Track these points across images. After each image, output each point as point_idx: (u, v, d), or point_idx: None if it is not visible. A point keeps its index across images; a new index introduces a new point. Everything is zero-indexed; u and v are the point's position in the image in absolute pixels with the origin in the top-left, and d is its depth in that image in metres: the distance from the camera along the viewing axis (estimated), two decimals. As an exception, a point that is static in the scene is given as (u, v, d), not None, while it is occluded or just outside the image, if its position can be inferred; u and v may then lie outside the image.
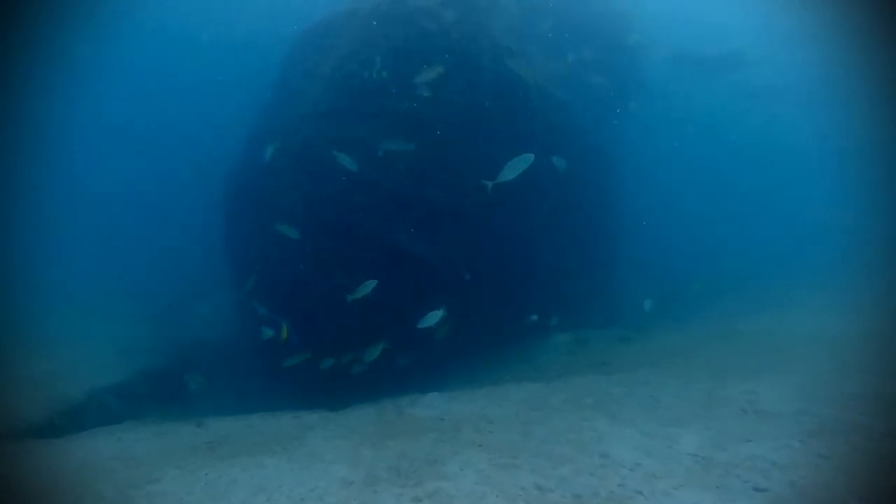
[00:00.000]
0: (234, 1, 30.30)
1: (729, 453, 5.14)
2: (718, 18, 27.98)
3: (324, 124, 10.49)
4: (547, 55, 13.24)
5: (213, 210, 13.06)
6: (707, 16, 28.67)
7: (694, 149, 30.88)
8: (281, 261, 10.24)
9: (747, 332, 10.98)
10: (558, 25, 15.55)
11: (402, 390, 8.10)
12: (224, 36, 30.40)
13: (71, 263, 19.90)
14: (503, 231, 11.64)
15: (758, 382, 7.13)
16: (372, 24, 11.07)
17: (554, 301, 12.74)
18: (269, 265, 10.49)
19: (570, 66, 13.68)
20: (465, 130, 10.81)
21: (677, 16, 25.57)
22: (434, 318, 7.55)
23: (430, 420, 6.79)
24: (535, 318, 11.84)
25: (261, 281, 10.65)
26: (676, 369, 8.54)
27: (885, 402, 6.00)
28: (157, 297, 16.96)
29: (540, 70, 12.48)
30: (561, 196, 12.75)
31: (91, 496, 4.96)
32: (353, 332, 9.50)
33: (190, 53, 31.51)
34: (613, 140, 16.85)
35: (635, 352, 10.40)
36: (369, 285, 8.25)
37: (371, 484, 4.99)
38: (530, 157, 7.24)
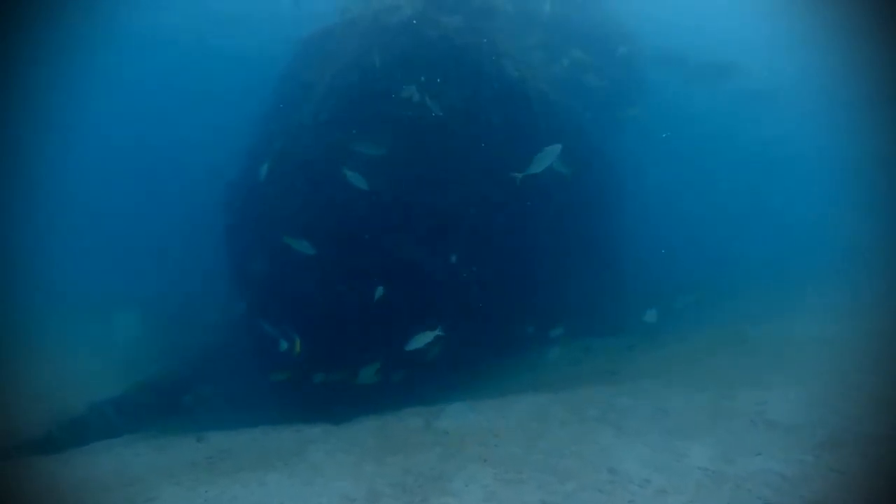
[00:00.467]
0: (234, 12, 30.38)
1: (739, 467, 5.03)
2: (712, 25, 28.08)
3: (324, 133, 10.43)
4: (548, 61, 13.19)
5: (216, 218, 13.01)
6: (703, 23, 28.76)
7: (692, 153, 30.83)
8: (282, 269, 10.16)
9: (753, 338, 10.84)
10: (558, 31, 15.55)
11: (405, 402, 7.99)
12: (225, 46, 30.45)
13: (77, 268, 19.89)
14: (506, 238, 11.54)
15: (766, 392, 7.01)
16: (372, 32, 11.03)
17: (558, 309, 12.61)
18: (270, 274, 10.41)
19: (571, 71, 13.61)
20: (467, 138, 10.74)
21: (677, 23, 25.58)
22: (423, 339, 7.31)
23: (435, 433, 6.69)
24: (539, 326, 11.73)
25: (261, 292, 10.59)
26: (683, 379, 8.41)
27: (898, 412, 5.89)
28: (164, 304, 16.89)
29: (542, 76, 12.42)
30: (564, 202, 12.66)
31: (88, 516, 4.88)
32: (354, 341, 9.41)
33: (192, 63, 31.55)
34: (616, 145, 16.81)
35: (641, 361, 10.28)
36: (379, 291, 8.15)
37: (373, 501, 4.89)
38: (558, 147, 7.14)
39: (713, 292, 17.16)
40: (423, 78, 9.71)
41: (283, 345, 8.20)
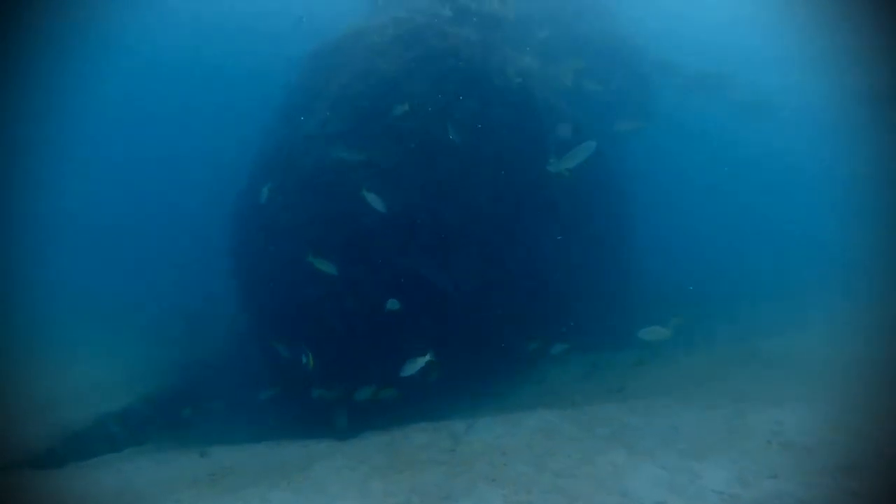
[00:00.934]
0: (245, 25, 30.72)
1: (755, 490, 4.88)
2: (710, 36, 28.22)
3: (332, 145, 10.39)
4: (555, 72, 13.15)
5: (222, 230, 12.97)
6: (701, 33, 28.91)
7: (696, 163, 30.74)
8: (288, 282, 10.08)
9: (765, 353, 10.65)
10: (566, 42, 15.54)
11: (411, 418, 7.86)
12: (234, 58, 30.74)
13: (81, 279, 19.88)
14: (515, 251, 11.44)
15: (781, 410, 6.83)
16: (380, 44, 11.02)
17: (566, 323, 12.47)
18: (275, 287, 10.33)
19: (579, 82, 13.56)
20: (476, 150, 10.68)
21: (677, 33, 25.64)
22: (416, 365, 7.15)
23: (441, 450, 6.56)
24: (545, 341, 11.58)
25: (266, 305, 10.50)
26: (694, 396, 8.25)
27: (920, 434, 5.71)
28: (169, 315, 16.84)
29: (549, 87, 12.37)
30: (572, 215, 12.57)
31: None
32: (361, 355, 9.30)
33: (200, 75, 31.87)
34: (624, 157, 16.74)
35: (651, 377, 10.11)
36: (394, 304, 8.09)
37: (379, 522, 4.76)
38: (593, 144, 7.08)
39: (720, 306, 16.98)
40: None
41: (303, 359, 8.09)
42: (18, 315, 13.75)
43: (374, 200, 8.42)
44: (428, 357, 7.11)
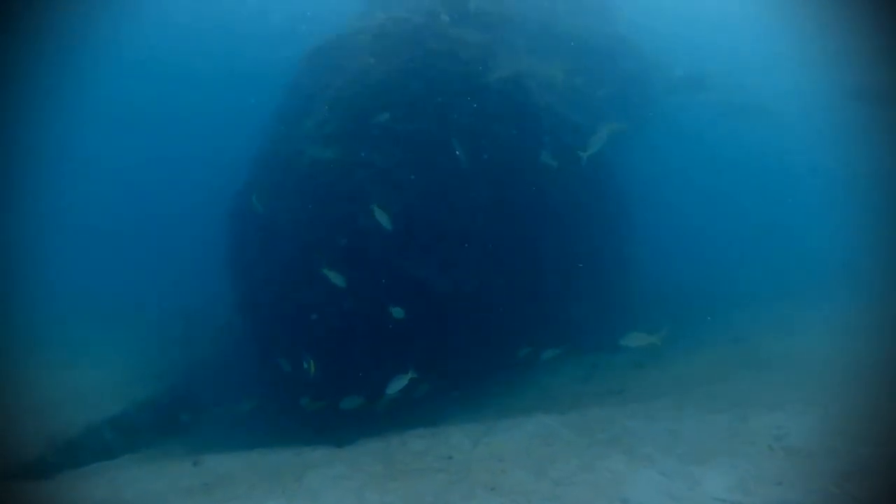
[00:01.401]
0: (243, 27, 30.66)
1: (758, 498, 4.79)
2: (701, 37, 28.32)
3: (329, 146, 10.30)
4: (554, 72, 13.06)
5: (219, 231, 12.87)
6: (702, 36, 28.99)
7: (693, 166, 30.74)
8: (285, 285, 9.98)
9: (765, 355, 10.57)
10: (564, 43, 15.46)
11: (408, 424, 7.76)
12: (232, 60, 30.65)
13: (74, 280, 19.77)
14: (513, 252, 11.34)
15: (783, 414, 6.75)
16: (378, 44, 10.93)
17: (565, 325, 12.40)
18: (273, 289, 10.23)
19: (578, 83, 13.48)
20: (474, 151, 10.60)
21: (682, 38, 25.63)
22: (400, 382, 7.14)
23: (439, 457, 6.46)
24: (544, 343, 11.50)
25: (265, 305, 10.40)
26: (695, 399, 8.17)
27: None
28: (169, 315, 16.72)
29: (548, 88, 12.28)
30: (571, 215, 12.49)
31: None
32: (359, 359, 9.21)
33: (199, 76, 31.79)
34: (622, 157, 16.64)
35: (651, 379, 10.03)
36: (398, 312, 8.04)
37: (375, 533, 4.67)
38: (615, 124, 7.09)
39: (718, 306, 16.90)
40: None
41: (304, 365, 8.01)
42: (14, 317, 13.62)
43: (382, 217, 8.36)
44: (410, 374, 7.13)
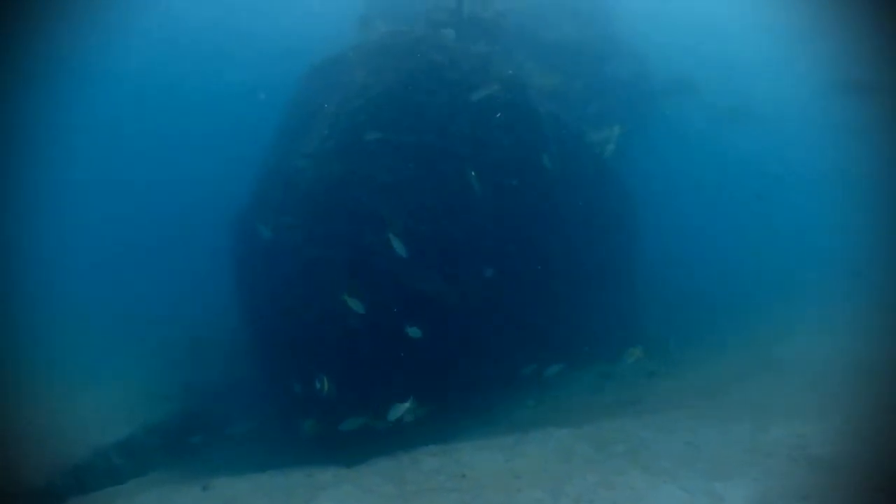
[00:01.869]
0: (244, 43, 30.90)
1: (785, 514, 4.62)
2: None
3: (331, 162, 10.22)
4: (557, 82, 13.01)
5: (224, 250, 12.81)
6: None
7: (698, 169, 30.66)
8: (290, 302, 9.88)
9: (780, 361, 10.38)
10: (566, 52, 15.42)
11: (419, 441, 7.62)
12: (232, 76, 30.83)
13: (87, 298, 19.73)
14: (520, 261, 11.22)
15: (804, 423, 6.58)
16: (378, 58, 10.88)
17: (574, 334, 12.25)
18: (278, 308, 10.14)
19: (582, 91, 13.43)
20: (478, 161, 10.51)
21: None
22: (400, 409, 7.21)
23: (451, 476, 6.31)
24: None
25: (270, 323, 10.30)
26: (711, 408, 8.01)
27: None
28: (175, 334, 16.63)
29: (551, 97, 12.22)
30: (578, 222, 12.38)
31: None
32: (369, 375, 9.07)
33: (201, 93, 31.98)
34: (626, 164, 16.55)
35: (666, 388, 9.86)
36: (415, 332, 8.08)
37: (388, 560, 4.53)
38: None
39: (728, 310, 16.73)
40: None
41: (317, 385, 7.92)
42: (18, 341, 13.55)
43: (398, 245, 8.33)
44: (409, 404, 7.21)
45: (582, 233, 12.61)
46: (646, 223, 17.76)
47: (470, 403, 10.32)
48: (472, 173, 9.51)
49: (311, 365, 8.41)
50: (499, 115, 10.75)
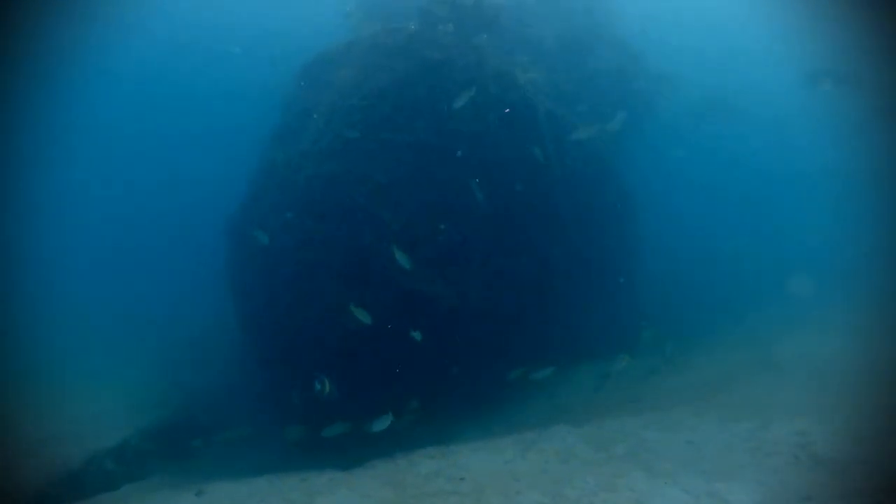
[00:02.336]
0: (237, 43, 30.76)
1: (789, 516, 4.53)
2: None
3: (326, 161, 10.11)
4: (553, 77, 12.88)
5: (220, 252, 12.69)
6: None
7: (692, 166, 30.62)
8: (286, 304, 9.77)
9: (780, 358, 10.25)
10: (562, 47, 15.31)
11: (417, 443, 7.51)
12: (228, 77, 30.71)
13: (84, 299, 19.64)
14: (519, 259, 11.11)
15: (806, 421, 6.48)
16: (372, 56, 10.76)
17: (574, 332, 12.15)
18: (274, 309, 10.02)
19: (579, 87, 13.29)
20: (474, 159, 10.40)
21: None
22: (384, 422, 7.17)
23: (450, 479, 6.21)
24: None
25: (267, 325, 10.20)
26: (713, 407, 7.89)
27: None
28: (171, 338, 16.51)
29: (548, 93, 12.10)
30: (576, 220, 12.27)
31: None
32: (366, 375, 8.97)
33: (194, 95, 31.85)
34: (625, 160, 16.45)
35: (666, 386, 9.75)
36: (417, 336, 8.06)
37: (385, 568, 4.42)
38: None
39: (726, 307, 16.62)
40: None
41: (317, 386, 7.83)
42: (11, 348, 13.42)
43: (402, 258, 8.32)
44: (391, 417, 7.21)
45: (580, 230, 12.51)
46: (644, 220, 17.68)
47: (468, 404, 10.23)
48: (476, 181, 9.42)
49: (307, 368, 8.31)
50: (507, 110, 10.66)
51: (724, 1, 26.28)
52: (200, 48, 31.75)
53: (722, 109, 26.45)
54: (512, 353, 10.80)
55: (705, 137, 30.18)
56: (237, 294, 11.53)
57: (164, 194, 30.76)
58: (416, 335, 8.02)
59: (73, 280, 22.33)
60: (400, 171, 9.89)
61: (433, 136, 9.96)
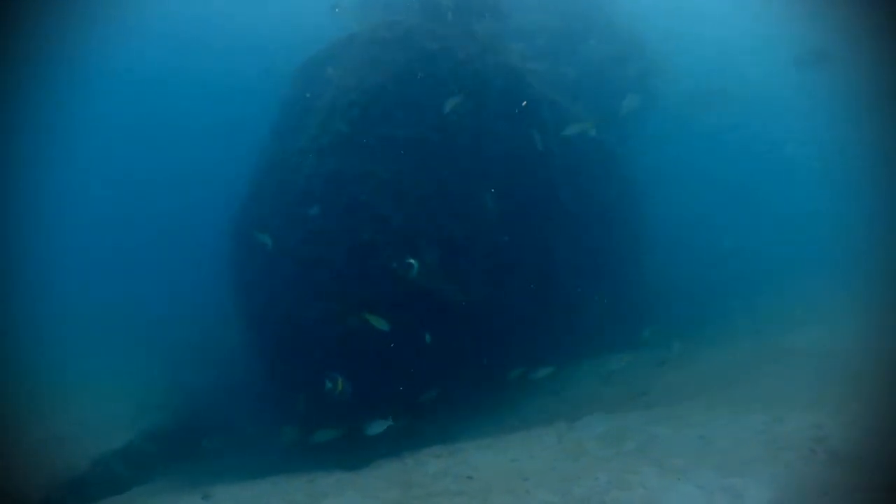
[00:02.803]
0: (234, 41, 30.67)
1: (807, 512, 4.40)
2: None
3: (327, 158, 10.00)
4: (557, 67, 12.72)
5: (223, 251, 12.62)
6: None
7: (695, 153, 30.42)
8: (288, 303, 9.68)
9: (791, 349, 10.09)
10: (564, 37, 15.12)
11: (423, 442, 7.43)
12: (226, 75, 30.62)
13: (85, 303, 19.63)
14: (523, 253, 10.99)
15: (821, 414, 6.33)
16: (371, 50, 10.62)
17: (580, 324, 12.05)
18: (276, 308, 9.94)
19: (581, 77, 13.12)
20: (476, 153, 10.27)
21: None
22: (380, 426, 7.12)
23: (458, 478, 6.11)
24: (560, 345, 11.17)
25: (269, 324, 10.12)
26: (724, 399, 7.76)
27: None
28: (175, 338, 16.47)
29: (551, 84, 11.93)
30: (580, 211, 12.14)
31: None
32: (372, 375, 8.89)
33: (191, 94, 31.80)
34: (629, 150, 16.29)
35: (675, 379, 9.61)
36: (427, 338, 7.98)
37: (393, 572, 4.33)
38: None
39: (734, 296, 16.46)
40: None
41: (328, 385, 7.73)
42: (14, 344, 13.38)
43: (408, 268, 8.28)
44: (389, 421, 7.12)
45: (584, 221, 12.38)
46: (651, 211, 17.52)
47: (474, 400, 10.15)
48: (492, 190, 9.31)
49: (309, 366, 8.23)
50: (524, 103, 10.54)
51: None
52: (200, 47, 31.67)
53: (723, 98, 26.16)
54: (517, 348, 10.71)
55: (708, 127, 29.97)
56: (239, 292, 11.46)
57: (165, 194, 30.78)
58: (427, 336, 7.90)
59: (73, 281, 22.36)
60: (401, 166, 9.77)
61: (434, 130, 9.82)
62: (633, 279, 15.01)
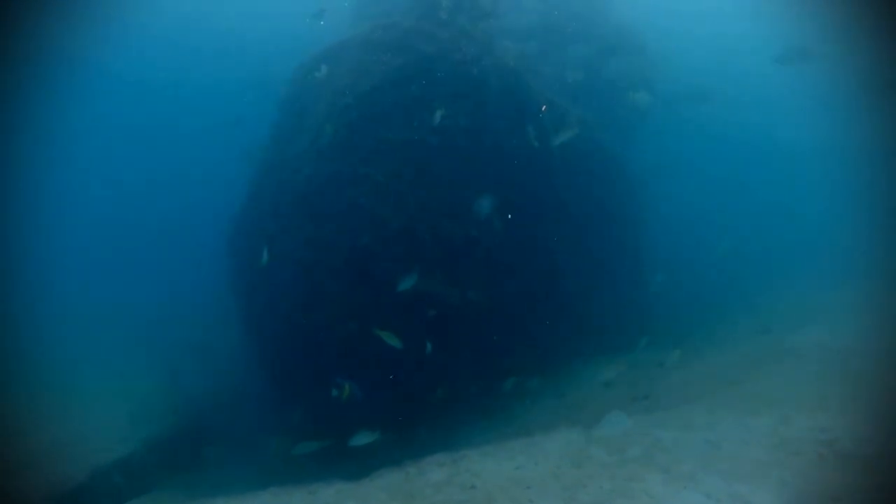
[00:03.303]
0: (232, 44, 30.61)
1: (817, 519, 4.30)
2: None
3: (324, 161, 9.92)
4: (555, 68, 12.63)
5: (222, 255, 12.53)
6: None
7: (694, 153, 30.32)
8: (288, 308, 9.59)
9: (795, 349, 9.98)
10: (560, 37, 15.04)
11: (426, 450, 7.32)
12: (225, 78, 30.55)
13: (84, 312, 19.52)
14: (523, 256, 10.90)
15: (827, 415, 6.25)
16: (367, 52, 10.54)
17: (582, 326, 11.95)
18: (274, 312, 9.85)
19: (580, 77, 13.03)
20: (474, 154, 10.18)
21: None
22: (366, 437, 7.11)
23: (460, 487, 6.01)
24: (564, 347, 11.07)
25: (269, 330, 10.04)
26: (728, 401, 7.64)
27: None
28: (176, 332, 16.36)
29: (549, 84, 11.85)
30: (581, 211, 12.06)
31: None
32: (371, 377, 8.79)
33: (189, 97, 31.73)
34: (629, 149, 16.21)
35: (679, 380, 9.50)
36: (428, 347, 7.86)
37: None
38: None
39: (738, 296, 16.37)
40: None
41: (334, 392, 7.64)
42: (14, 348, 13.27)
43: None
44: (377, 434, 7.12)
45: (586, 221, 12.30)
46: (653, 211, 17.44)
47: (475, 404, 10.05)
48: (491, 192, 9.22)
49: (309, 372, 8.14)
50: (544, 107, 10.47)
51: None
52: (199, 48, 31.64)
53: (716, 94, 26.09)
54: (517, 351, 10.62)
55: (708, 127, 29.92)
56: (238, 294, 11.38)
57: (165, 194, 30.70)
58: (428, 346, 7.80)
59: (72, 281, 22.27)
60: (400, 169, 9.69)
61: (432, 132, 9.74)
62: (633, 280, 14.93)
